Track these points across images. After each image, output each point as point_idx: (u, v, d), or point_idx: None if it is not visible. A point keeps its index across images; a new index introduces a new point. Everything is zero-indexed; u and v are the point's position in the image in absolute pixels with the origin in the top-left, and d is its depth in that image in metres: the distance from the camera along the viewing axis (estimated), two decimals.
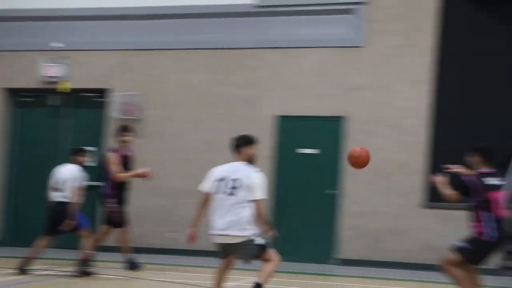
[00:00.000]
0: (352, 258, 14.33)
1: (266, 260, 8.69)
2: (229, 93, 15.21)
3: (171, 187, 15.31)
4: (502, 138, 13.90)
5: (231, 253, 8.76)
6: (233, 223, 8.58)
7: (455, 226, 12.21)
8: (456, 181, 9.14)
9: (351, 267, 14.00)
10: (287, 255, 14.31)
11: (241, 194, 8.61)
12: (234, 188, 8.64)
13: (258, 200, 8.63)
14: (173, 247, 15.01)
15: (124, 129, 12.64)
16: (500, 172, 8.60)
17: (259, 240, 8.66)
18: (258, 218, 8.64)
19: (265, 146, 14.71)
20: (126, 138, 12.53)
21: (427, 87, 14.25)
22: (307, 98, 14.81)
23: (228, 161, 8.91)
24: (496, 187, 8.72)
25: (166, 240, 15.27)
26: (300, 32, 14.95)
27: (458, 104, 14.18)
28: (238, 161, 8.84)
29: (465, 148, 13.93)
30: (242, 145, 8.88)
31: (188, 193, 14.83)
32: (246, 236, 8.60)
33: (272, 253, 8.71)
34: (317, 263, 14.34)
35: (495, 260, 8.44)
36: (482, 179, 8.92)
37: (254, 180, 8.63)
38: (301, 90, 14.87)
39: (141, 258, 12.82)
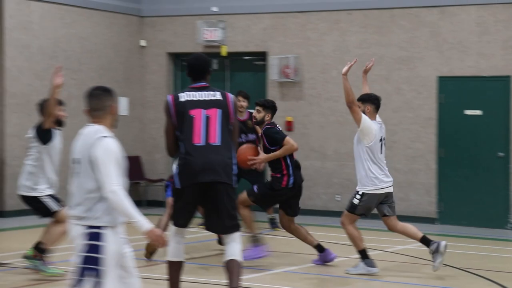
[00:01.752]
0: None
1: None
2: (385, 54, 15.06)
3: (333, 149, 15.40)
4: None
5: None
6: None
7: None
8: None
9: None
10: (458, 220, 14.30)
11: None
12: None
13: None
14: (336, 209, 15.06)
15: (239, 94, 12.61)
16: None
17: None
18: None
19: (429, 108, 14.62)
20: (241, 103, 12.52)
21: None
22: (469, 58, 14.54)
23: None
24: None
25: (327, 202, 15.40)
26: None
27: None
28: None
29: None
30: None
31: (349, 155, 14.87)
32: None
33: None
34: (492, 227, 13.96)
35: None
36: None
37: None
38: (462, 50, 14.60)
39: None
